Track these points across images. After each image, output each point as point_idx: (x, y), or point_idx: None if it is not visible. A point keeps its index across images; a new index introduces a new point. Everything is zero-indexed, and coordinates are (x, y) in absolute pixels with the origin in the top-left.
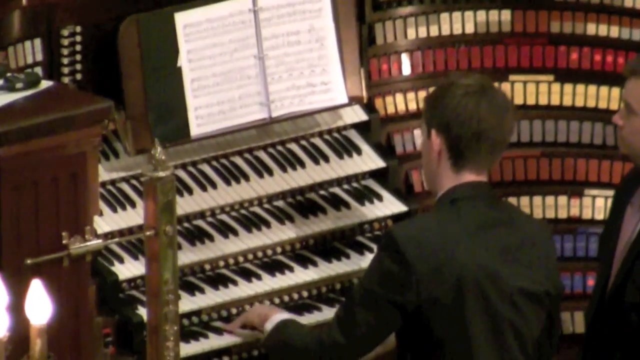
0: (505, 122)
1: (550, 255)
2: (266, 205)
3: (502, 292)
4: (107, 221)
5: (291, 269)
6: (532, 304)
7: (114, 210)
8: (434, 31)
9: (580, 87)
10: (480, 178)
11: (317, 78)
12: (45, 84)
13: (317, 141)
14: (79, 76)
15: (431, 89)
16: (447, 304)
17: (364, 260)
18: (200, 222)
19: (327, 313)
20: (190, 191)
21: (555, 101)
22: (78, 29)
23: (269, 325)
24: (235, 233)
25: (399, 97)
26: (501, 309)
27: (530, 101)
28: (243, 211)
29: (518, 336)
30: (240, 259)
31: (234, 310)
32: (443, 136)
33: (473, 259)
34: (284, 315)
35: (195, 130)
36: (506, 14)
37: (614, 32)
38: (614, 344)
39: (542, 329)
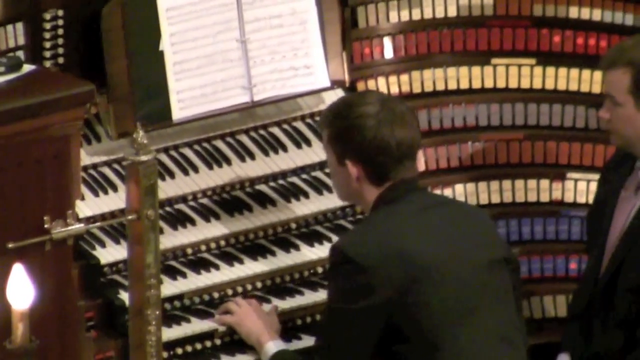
0: (416, 130)
1: (493, 226)
2: (248, 189)
3: (462, 267)
4: (89, 205)
5: (273, 253)
6: (496, 270)
7: (96, 194)
8: (416, 14)
9: (562, 70)
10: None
11: (299, 61)
12: (27, 67)
13: (300, 125)
14: (61, 60)
15: (414, 73)
16: (412, 296)
17: None
18: (182, 206)
19: (309, 296)
20: (172, 175)
21: (537, 84)
22: (60, 12)
23: (264, 358)
24: (217, 217)
25: (382, 80)
26: (466, 283)
27: (513, 84)
28: (225, 195)
29: (494, 305)
30: (222, 243)
31: (215, 295)
32: (361, 165)
33: (423, 244)
34: (276, 343)
35: (177, 113)
36: None
37: (597, 15)
38: (608, 327)
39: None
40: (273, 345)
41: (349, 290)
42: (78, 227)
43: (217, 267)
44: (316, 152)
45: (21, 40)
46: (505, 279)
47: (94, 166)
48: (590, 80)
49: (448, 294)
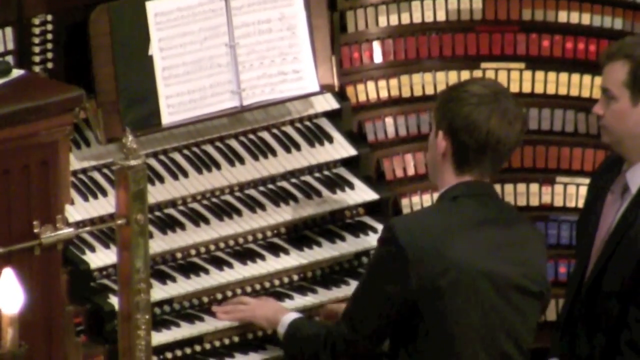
0: (513, 133)
1: (543, 258)
2: (238, 194)
3: (497, 288)
4: (78, 210)
5: (263, 258)
6: (528, 300)
7: (86, 199)
8: (405, 19)
9: (551, 75)
10: (482, 179)
11: (288, 66)
12: (16, 72)
13: (289, 129)
14: (50, 65)
15: (403, 77)
16: (441, 296)
17: (335, 249)
18: (171, 211)
19: (299, 301)
20: (161, 179)
21: (526, 89)
22: (49, 17)
23: (281, 330)
24: (207, 221)
25: (371, 85)
26: (495, 304)
27: None
28: (214, 199)
29: (512, 331)
30: (212, 247)
31: (205, 299)
32: (450, 140)
33: (469, 254)
34: (292, 315)
35: (166, 118)
36: (477, 2)
37: (586, 19)
38: (591, 331)
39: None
40: (290, 317)
41: (387, 270)
42: (67, 231)
43: (207, 272)
44: (305, 157)
45: (10, 46)
46: (534, 312)
47: (84, 171)
48: (579, 85)
49: (475, 314)
